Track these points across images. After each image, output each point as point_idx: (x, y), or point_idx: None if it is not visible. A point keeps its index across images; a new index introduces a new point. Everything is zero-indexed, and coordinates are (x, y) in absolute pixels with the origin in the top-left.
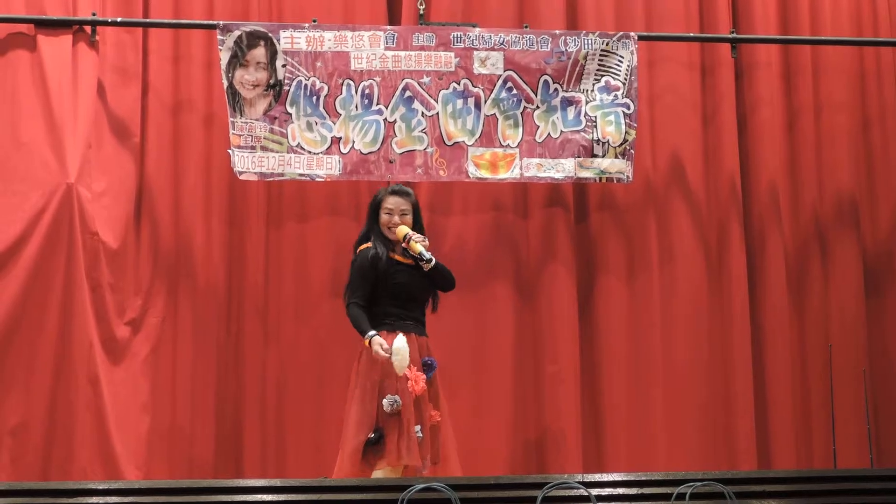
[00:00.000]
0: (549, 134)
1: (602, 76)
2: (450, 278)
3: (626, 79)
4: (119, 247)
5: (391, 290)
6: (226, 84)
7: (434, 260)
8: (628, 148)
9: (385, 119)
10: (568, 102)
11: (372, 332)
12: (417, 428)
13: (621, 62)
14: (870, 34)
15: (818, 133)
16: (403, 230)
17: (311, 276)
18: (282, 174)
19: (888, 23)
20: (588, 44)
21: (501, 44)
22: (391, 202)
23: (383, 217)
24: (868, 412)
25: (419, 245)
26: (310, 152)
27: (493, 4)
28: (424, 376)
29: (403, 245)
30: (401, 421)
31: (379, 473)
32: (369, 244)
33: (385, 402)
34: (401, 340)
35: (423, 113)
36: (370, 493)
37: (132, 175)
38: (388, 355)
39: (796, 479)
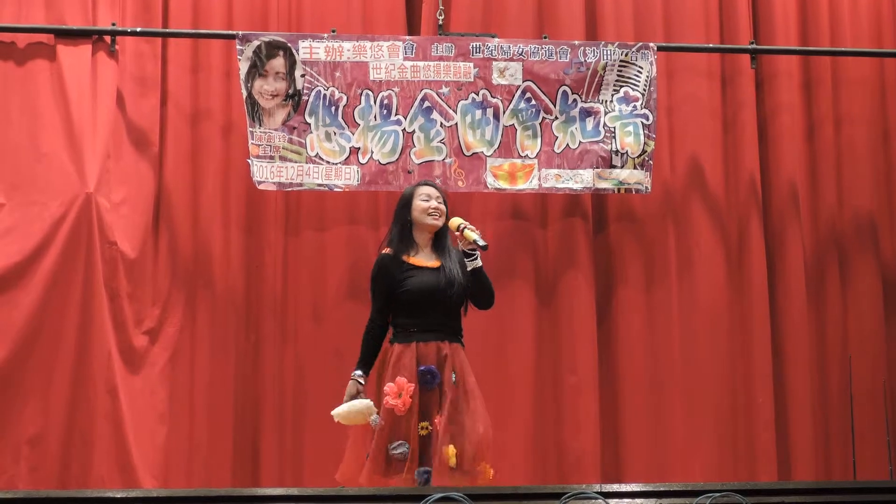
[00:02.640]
0: (567, 145)
1: (621, 87)
2: (490, 292)
3: (644, 89)
4: (137, 256)
5: (406, 296)
6: (244, 94)
7: (487, 247)
8: (647, 159)
9: (404, 129)
10: (587, 113)
11: (357, 372)
12: (398, 444)
13: (640, 73)
14: (890, 45)
15: (838, 144)
16: (456, 221)
17: (328, 285)
18: (300, 184)
19: None
20: (607, 54)
21: (520, 54)
22: (425, 191)
23: (421, 204)
24: (888, 424)
25: (473, 233)
26: (328, 162)
27: (512, 15)
28: (410, 388)
29: (456, 234)
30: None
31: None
32: (387, 250)
33: (372, 418)
34: (343, 409)
35: (441, 123)
36: (386, 503)
37: (151, 185)
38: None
39: (815, 490)
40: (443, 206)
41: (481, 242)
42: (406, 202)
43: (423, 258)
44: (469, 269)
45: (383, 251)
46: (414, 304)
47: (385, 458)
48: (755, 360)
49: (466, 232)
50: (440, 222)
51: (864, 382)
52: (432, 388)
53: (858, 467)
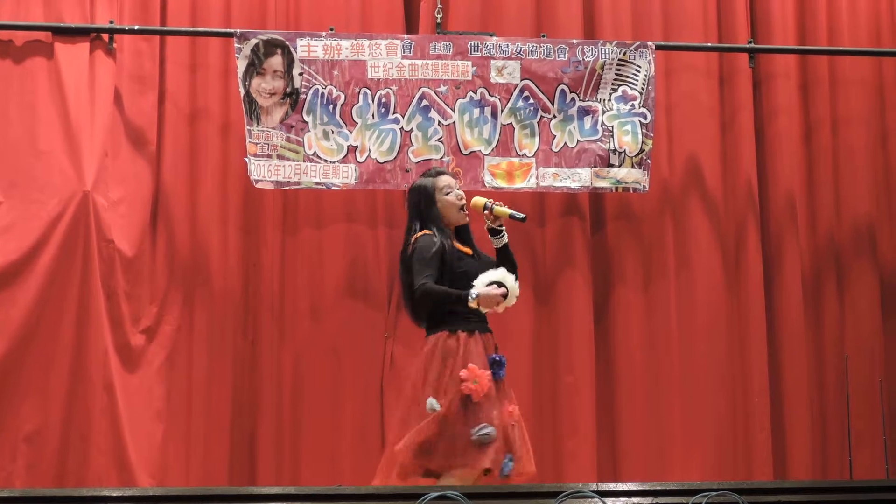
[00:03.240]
0: (565, 143)
1: (619, 86)
2: (515, 267)
3: (643, 88)
4: (135, 255)
5: (455, 283)
6: (242, 92)
7: (525, 218)
8: (645, 158)
9: (401, 128)
10: (585, 112)
11: (472, 292)
12: (481, 426)
13: (638, 72)
14: (889, 45)
15: (836, 144)
16: (481, 200)
17: (326, 283)
18: (298, 183)
19: None
20: (605, 53)
21: (518, 53)
22: (445, 181)
23: (447, 198)
24: (884, 423)
25: (505, 208)
26: (326, 161)
27: (510, 13)
28: (489, 374)
29: (485, 214)
30: (441, 423)
31: (450, 480)
32: (427, 231)
33: (428, 403)
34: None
35: (439, 122)
36: (384, 502)
37: (148, 183)
38: (502, 295)
39: (812, 489)
40: (462, 193)
41: (519, 215)
42: (430, 196)
43: (461, 245)
44: (497, 246)
45: (425, 233)
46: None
47: (463, 444)
48: (752, 359)
49: (497, 209)
50: (468, 219)
51: (861, 382)
52: (500, 379)
53: (855, 467)
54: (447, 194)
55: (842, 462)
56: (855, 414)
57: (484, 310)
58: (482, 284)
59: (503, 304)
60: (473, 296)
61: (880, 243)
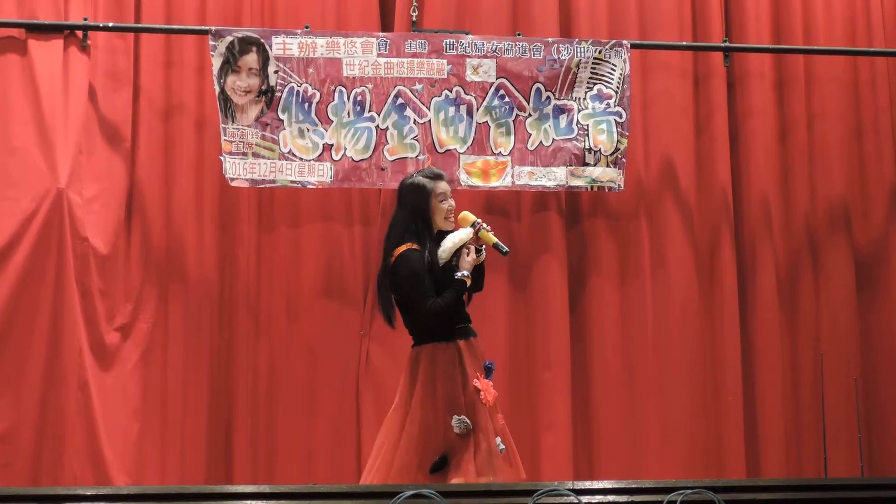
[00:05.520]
0: (541, 142)
1: (594, 84)
2: (483, 281)
3: (618, 87)
4: (109, 252)
5: (442, 288)
6: (217, 90)
7: (508, 253)
8: (620, 157)
9: (377, 126)
10: (560, 111)
11: (463, 272)
12: (498, 440)
13: (614, 70)
14: (863, 44)
15: (811, 143)
16: (470, 217)
17: (302, 282)
18: (273, 181)
19: (882, 32)
20: (581, 52)
21: (494, 51)
22: (441, 187)
23: (440, 206)
24: (859, 421)
25: (491, 234)
26: (301, 159)
27: (485, 12)
28: (490, 382)
29: (470, 228)
30: (474, 439)
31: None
32: (412, 245)
33: (454, 422)
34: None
35: (414, 120)
36: (360, 500)
37: (123, 180)
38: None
39: (787, 487)
40: (454, 204)
41: (504, 249)
42: (426, 198)
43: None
44: (477, 264)
45: (410, 247)
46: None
47: (495, 456)
48: (726, 358)
49: (484, 233)
50: (452, 227)
51: (836, 380)
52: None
53: (830, 465)
54: (441, 202)
55: (817, 460)
56: (830, 412)
57: (469, 267)
58: (448, 252)
59: (485, 238)
60: (466, 274)
61: (856, 241)
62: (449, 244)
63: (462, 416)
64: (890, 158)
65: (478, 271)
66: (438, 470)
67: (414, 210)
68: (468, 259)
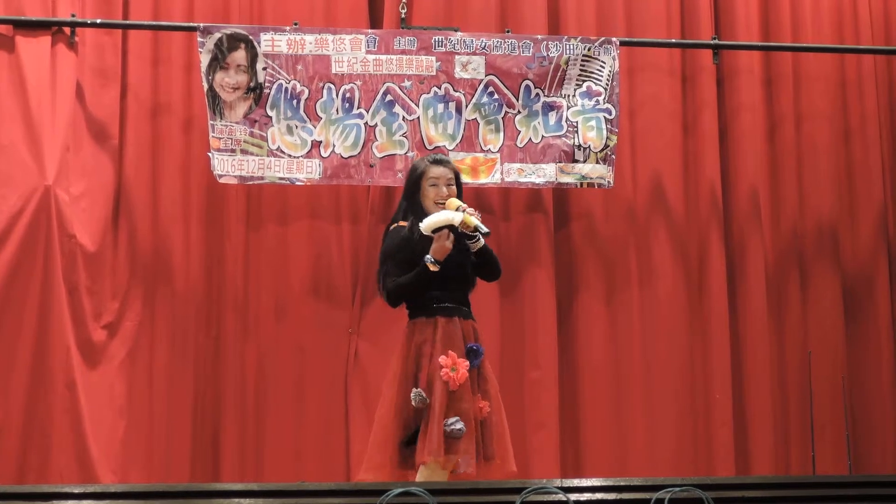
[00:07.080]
0: (530, 139)
1: (584, 81)
2: (497, 265)
3: (607, 84)
4: (97, 250)
5: (442, 270)
6: (206, 87)
7: (489, 234)
8: (609, 153)
9: (366, 123)
10: (549, 107)
11: (427, 258)
12: (453, 420)
13: (603, 67)
14: (851, 42)
15: (799, 142)
16: (455, 203)
17: (291, 279)
18: (262, 178)
19: (869, 31)
20: (570, 49)
21: (483, 48)
22: (435, 172)
23: (429, 189)
24: (847, 419)
25: (474, 218)
26: (290, 156)
27: (474, 9)
28: (466, 363)
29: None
30: (428, 414)
31: (421, 475)
32: (402, 223)
33: (413, 395)
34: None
35: (403, 117)
36: (348, 498)
37: (110, 177)
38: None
39: (775, 485)
40: (453, 189)
41: (484, 230)
42: (416, 180)
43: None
44: (473, 250)
45: (399, 224)
46: (447, 278)
47: (437, 435)
48: (714, 355)
49: (467, 217)
50: None
51: (824, 379)
52: (474, 368)
53: (817, 462)
54: (431, 185)
55: (805, 457)
56: (818, 410)
57: (439, 254)
58: (428, 227)
59: (467, 221)
60: (431, 260)
61: (843, 240)
62: (432, 220)
63: (419, 390)
64: (877, 158)
65: (483, 256)
66: (411, 444)
67: (406, 189)
68: (438, 245)
